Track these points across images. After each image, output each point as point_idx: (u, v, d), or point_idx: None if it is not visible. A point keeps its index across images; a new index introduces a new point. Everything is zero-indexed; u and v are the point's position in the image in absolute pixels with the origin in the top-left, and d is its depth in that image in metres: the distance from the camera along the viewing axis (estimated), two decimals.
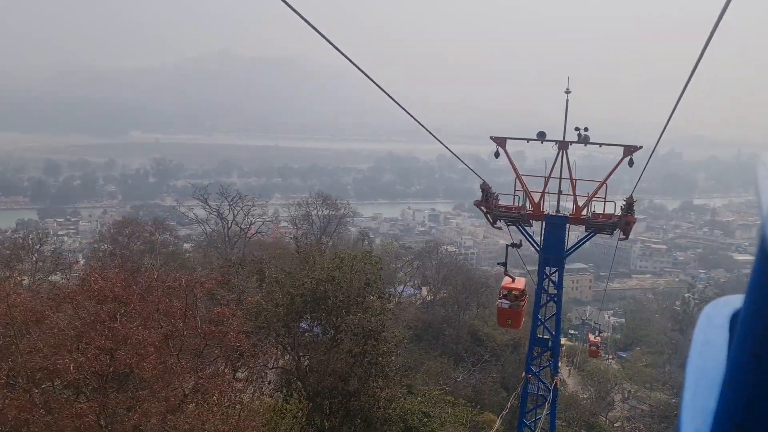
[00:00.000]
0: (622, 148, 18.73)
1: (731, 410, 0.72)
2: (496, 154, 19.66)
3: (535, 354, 22.61)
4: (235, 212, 62.02)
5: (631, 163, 18.55)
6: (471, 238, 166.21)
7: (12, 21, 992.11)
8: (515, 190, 20.14)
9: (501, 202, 20.45)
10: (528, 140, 19.34)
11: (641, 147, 18.43)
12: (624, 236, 20.07)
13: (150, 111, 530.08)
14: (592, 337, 54.37)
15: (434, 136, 12.71)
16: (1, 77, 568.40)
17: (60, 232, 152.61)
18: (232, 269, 25.96)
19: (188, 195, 67.71)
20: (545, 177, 20.02)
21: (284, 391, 20.36)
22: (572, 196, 19.92)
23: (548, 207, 20.65)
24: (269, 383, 19.81)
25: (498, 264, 25.21)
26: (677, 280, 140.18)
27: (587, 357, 54.33)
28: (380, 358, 19.85)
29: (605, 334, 76.11)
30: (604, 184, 19.57)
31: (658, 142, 13.62)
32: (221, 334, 14.27)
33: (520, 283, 22.66)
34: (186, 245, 67.99)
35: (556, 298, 21.60)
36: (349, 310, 20.23)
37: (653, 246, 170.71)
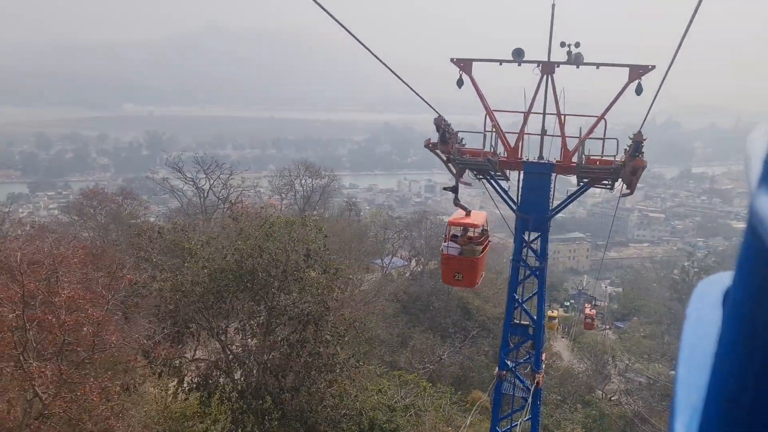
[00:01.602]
0: (627, 69, 13.89)
1: (722, 386, 0.72)
2: (459, 82, 14.73)
3: (512, 345, 16.96)
4: (212, 182, 59.03)
5: (639, 90, 13.76)
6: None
7: None
8: (485, 130, 15.12)
9: (467, 147, 15.27)
10: (501, 62, 14.64)
11: (654, 67, 13.59)
12: (628, 190, 14.87)
13: (142, 84, 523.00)
14: (588, 309, 52.97)
15: (427, 103, 12.29)
16: None
17: (51, 206, 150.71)
18: (118, 240, 21.89)
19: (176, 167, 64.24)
20: (524, 113, 15.06)
21: (202, 390, 16.20)
22: (560, 137, 15.05)
23: (528, 152, 15.60)
24: (181, 382, 16.30)
25: (444, 189, 17.47)
26: (675, 248, 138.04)
27: (583, 329, 53.01)
28: (322, 348, 15.90)
29: (602, 304, 74.58)
30: (603, 120, 14.56)
31: (670, 66, 10.30)
32: (77, 326, 11.00)
33: (477, 217, 16.80)
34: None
35: (538, 272, 16.15)
36: (285, 289, 16.27)
37: (651, 214, 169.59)
